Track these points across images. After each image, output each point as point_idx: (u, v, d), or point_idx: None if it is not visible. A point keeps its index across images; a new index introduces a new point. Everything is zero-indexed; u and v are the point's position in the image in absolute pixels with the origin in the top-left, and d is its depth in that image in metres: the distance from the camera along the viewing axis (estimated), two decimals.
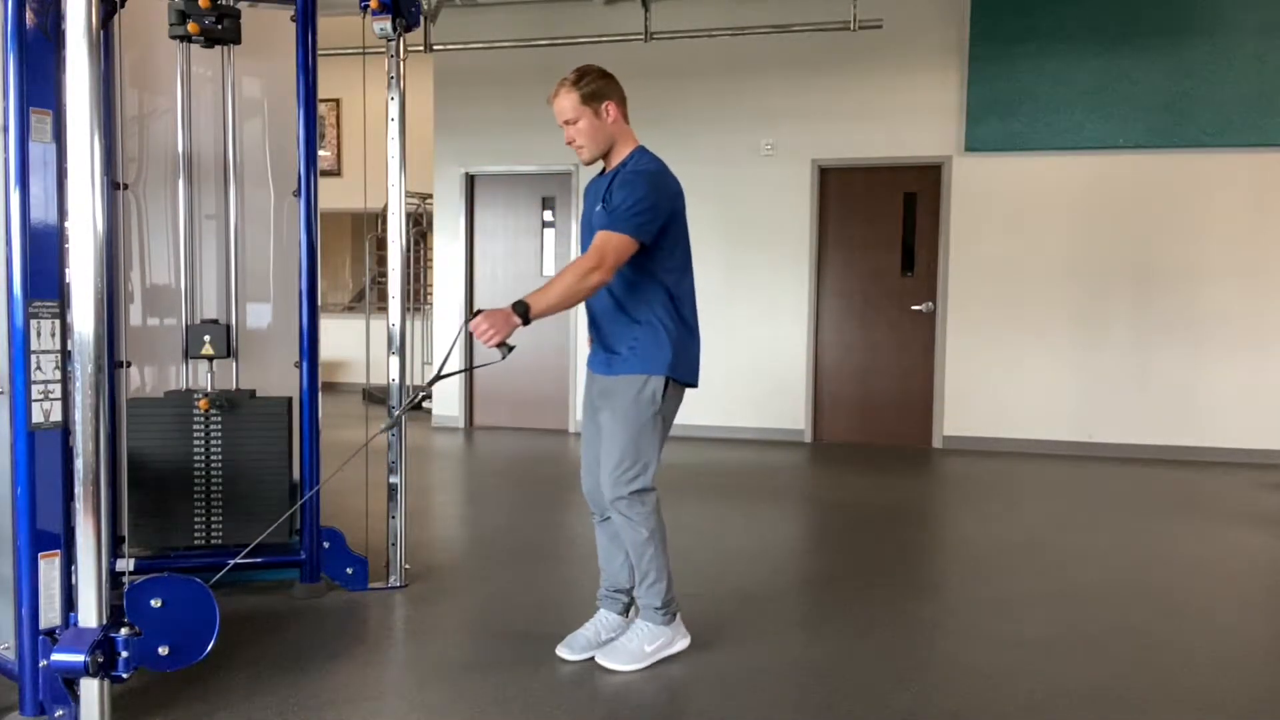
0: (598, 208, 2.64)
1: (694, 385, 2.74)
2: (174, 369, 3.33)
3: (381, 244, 9.33)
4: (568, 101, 2.63)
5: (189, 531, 3.19)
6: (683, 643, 2.81)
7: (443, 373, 2.76)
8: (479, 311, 2.47)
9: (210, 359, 3.20)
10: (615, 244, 2.51)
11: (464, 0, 7.27)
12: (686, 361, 2.69)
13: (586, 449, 2.81)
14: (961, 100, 6.70)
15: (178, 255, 3.27)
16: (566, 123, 2.65)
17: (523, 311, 2.44)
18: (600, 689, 2.58)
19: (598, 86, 2.63)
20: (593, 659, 2.74)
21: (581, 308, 2.75)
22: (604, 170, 2.74)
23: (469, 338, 2.59)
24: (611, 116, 2.64)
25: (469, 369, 2.86)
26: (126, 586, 2.35)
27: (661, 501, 2.74)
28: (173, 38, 3.09)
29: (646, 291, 2.64)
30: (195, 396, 3.15)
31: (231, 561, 3.08)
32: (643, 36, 6.72)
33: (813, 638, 3.00)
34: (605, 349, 2.72)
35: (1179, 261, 6.48)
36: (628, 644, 2.73)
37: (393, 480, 3.42)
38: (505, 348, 2.47)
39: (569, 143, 2.69)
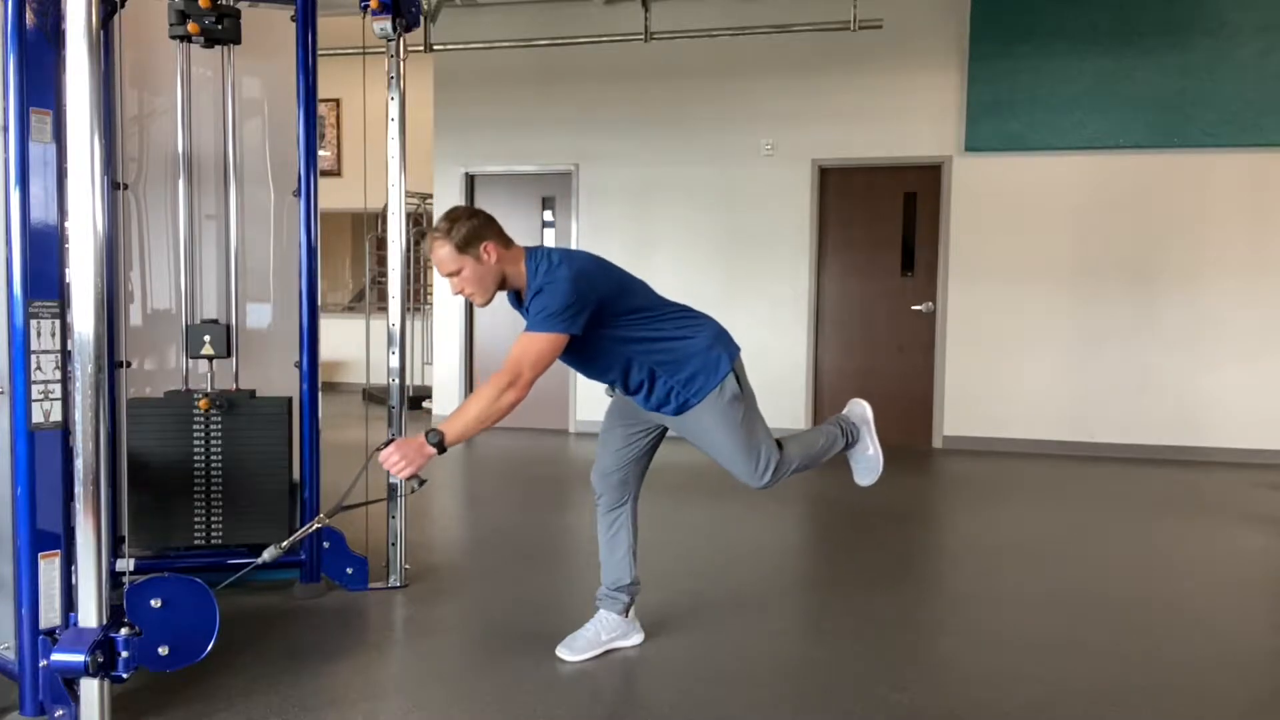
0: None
1: (739, 351, 2.72)
2: (174, 369, 3.33)
3: (381, 244, 9.32)
4: (444, 253, 2.46)
5: (189, 531, 3.18)
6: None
7: (344, 504, 2.45)
8: (390, 440, 2.35)
9: (210, 359, 3.20)
10: (535, 350, 2.37)
11: (464, 0, 7.27)
12: (723, 347, 2.66)
13: (606, 445, 2.80)
14: (961, 100, 6.70)
15: (178, 255, 3.27)
16: (450, 274, 2.49)
17: (437, 442, 2.30)
18: (600, 689, 2.58)
19: (469, 229, 2.46)
20: (593, 659, 2.74)
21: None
22: (519, 295, 2.58)
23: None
24: (493, 257, 2.47)
25: (365, 503, 2.68)
26: (126, 586, 2.35)
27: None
28: (173, 38, 3.09)
29: (644, 346, 2.56)
30: (195, 396, 3.15)
31: (235, 563, 3.08)
32: (643, 36, 6.72)
33: (813, 638, 3.00)
34: (657, 406, 2.66)
35: (1179, 261, 6.48)
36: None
37: (393, 480, 3.42)
38: (417, 480, 2.33)
39: (458, 293, 2.52)
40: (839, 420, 2.96)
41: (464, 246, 2.45)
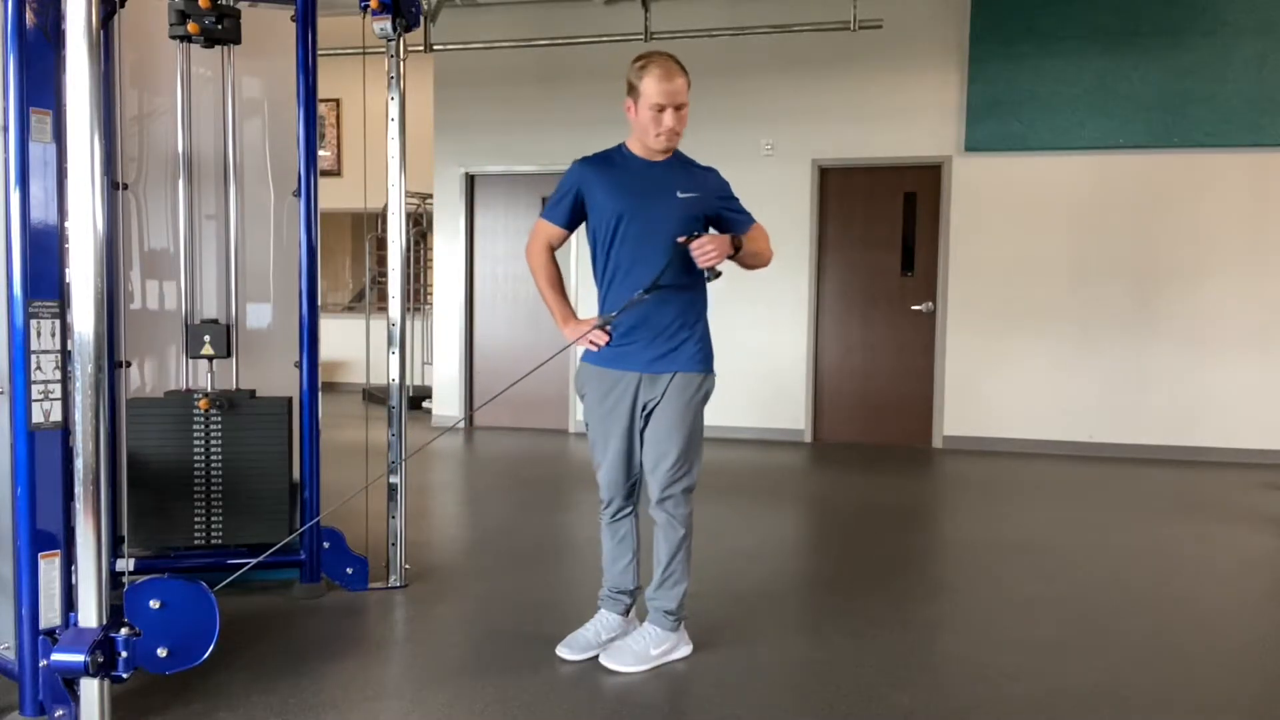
0: (680, 194, 2.65)
1: None
2: (174, 369, 3.33)
3: (381, 244, 9.33)
4: (684, 84, 2.60)
5: (189, 531, 3.18)
6: (685, 649, 2.81)
7: (659, 283, 2.64)
8: (697, 234, 2.58)
9: (210, 359, 3.20)
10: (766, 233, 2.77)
11: (464, 0, 7.27)
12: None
13: (608, 447, 2.74)
14: (961, 100, 6.70)
15: (178, 255, 3.27)
16: (678, 107, 2.59)
17: (737, 246, 2.62)
18: (601, 689, 2.58)
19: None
20: (593, 659, 2.74)
21: (591, 300, 2.77)
22: (616, 156, 2.72)
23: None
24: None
25: (652, 289, 2.74)
26: (126, 587, 2.35)
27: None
28: (173, 38, 3.09)
29: (696, 293, 2.73)
30: (195, 396, 3.15)
31: (236, 563, 3.08)
32: (643, 36, 6.72)
33: (813, 638, 3.00)
34: (660, 349, 2.67)
35: (1179, 261, 6.48)
36: (633, 645, 2.73)
37: (393, 480, 3.42)
38: (714, 272, 2.62)
39: (670, 130, 2.59)
40: (683, 608, 2.78)
41: (689, 87, 2.64)
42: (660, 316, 2.67)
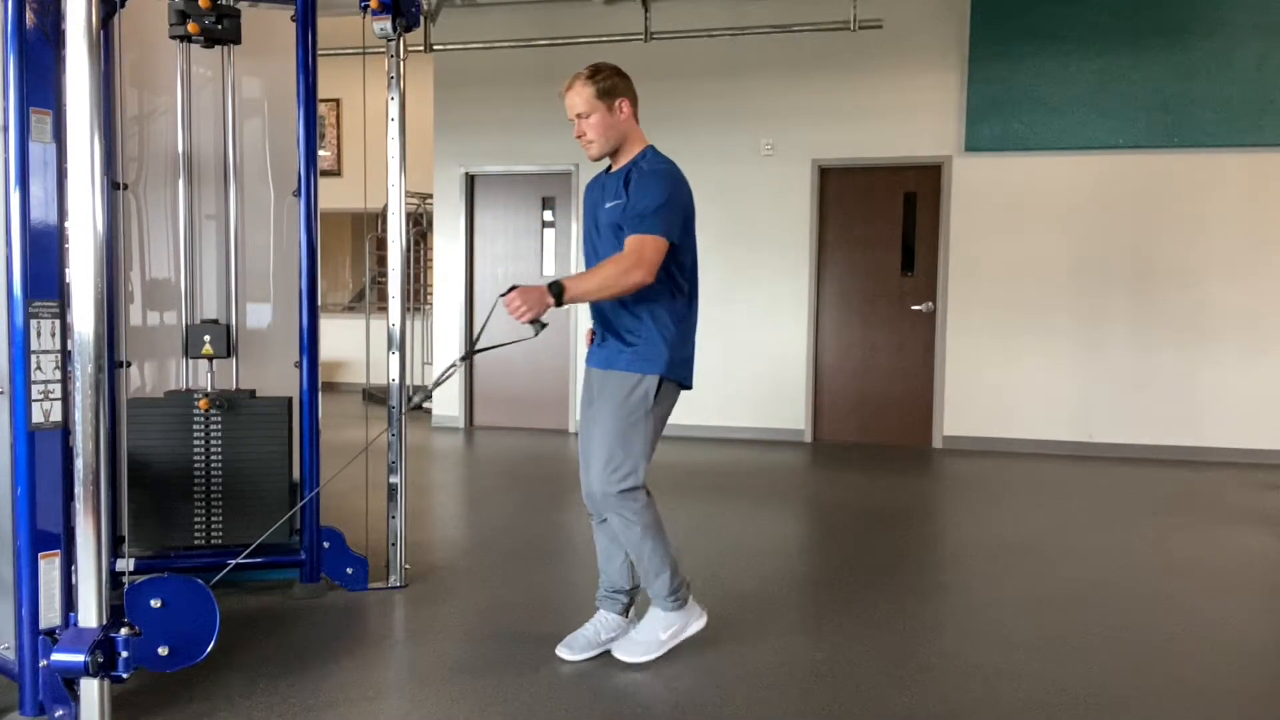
0: (607, 204, 2.66)
1: (689, 387, 2.75)
2: (174, 369, 3.33)
3: (381, 244, 9.33)
4: (580, 96, 2.63)
5: (189, 531, 3.18)
6: (698, 624, 2.81)
7: (475, 348, 2.84)
8: (514, 287, 2.50)
9: (210, 359, 3.20)
10: (651, 245, 2.52)
11: (464, 0, 7.27)
12: (682, 362, 2.70)
13: (584, 448, 2.79)
14: (961, 100, 6.70)
15: (178, 255, 3.27)
16: (578, 116, 2.65)
17: (557, 292, 2.47)
18: (601, 689, 2.58)
19: (613, 83, 2.65)
20: (593, 659, 2.74)
21: (584, 306, 2.79)
22: (610, 168, 2.75)
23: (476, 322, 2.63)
24: (624, 114, 2.66)
25: (494, 347, 2.82)
26: (126, 586, 2.35)
27: (658, 500, 2.74)
28: (173, 38, 3.09)
29: (654, 290, 2.62)
30: (195, 396, 3.15)
31: (232, 562, 3.08)
32: (643, 36, 6.72)
33: (813, 638, 3.00)
34: (604, 344, 2.73)
35: (1179, 261, 6.48)
36: (642, 635, 2.75)
37: (393, 480, 3.42)
38: (537, 325, 2.52)
39: (578, 136, 2.68)
40: (681, 587, 2.78)
41: (603, 94, 2.63)
42: (617, 317, 2.70)
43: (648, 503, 2.68)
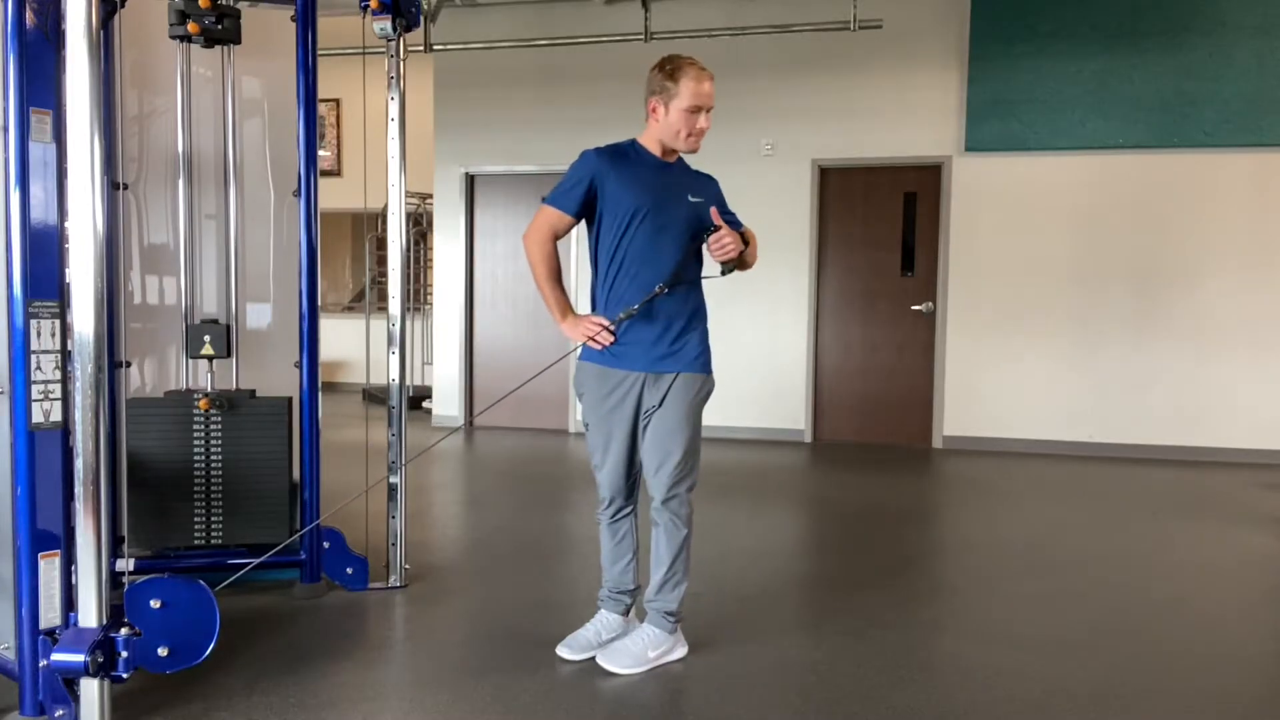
0: (692, 198, 2.72)
1: None
2: (174, 369, 3.33)
3: (381, 244, 9.33)
4: (713, 88, 2.66)
5: (189, 531, 3.18)
6: (681, 650, 2.81)
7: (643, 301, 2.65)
8: (714, 228, 2.62)
9: (210, 359, 3.20)
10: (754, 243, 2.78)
11: (464, 0, 7.27)
12: None
13: (649, 447, 2.68)
14: (961, 100, 6.70)
15: (178, 255, 3.27)
16: (710, 110, 2.67)
17: (745, 243, 2.70)
18: (600, 689, 2.58)
19: None
20: (593, 659, 2.74)
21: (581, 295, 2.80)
22: (661, 159, 2.74)
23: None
24: None
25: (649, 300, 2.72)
26: (126, 587, 2.35)
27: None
28: (173, 38, 3.09)
29: (702, 297, 2.78)
30: (195, 396, 3.15)
31: (243, 564, 3.08)
32: (643, 36, 6.72)
33: (813, 638, 3.00)
34: (664, 349, 2.66)
35: (1179, 261, 6.48)
36: (630, 647, 2.73)
37: (393, 480, 3.42)
38: (729, 266, 2.69)
39: (699, 132, 2.66)
40: (681, 610, 2.77)
41: None
42: (665, 316, 2.67)
43: (691, 508, 2.76)
